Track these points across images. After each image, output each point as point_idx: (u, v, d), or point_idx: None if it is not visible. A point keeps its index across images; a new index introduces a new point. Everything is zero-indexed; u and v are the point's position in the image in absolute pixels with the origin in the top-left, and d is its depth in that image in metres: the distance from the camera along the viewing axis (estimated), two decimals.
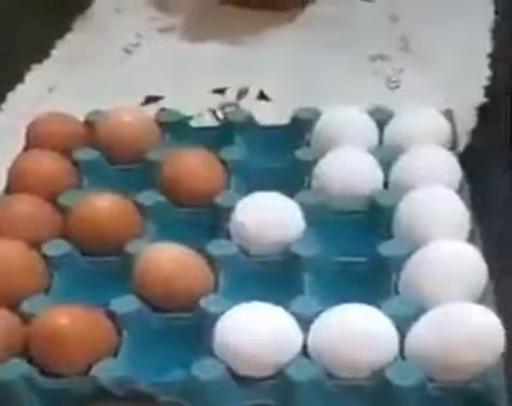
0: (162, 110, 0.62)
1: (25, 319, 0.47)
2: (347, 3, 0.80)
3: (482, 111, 0.67)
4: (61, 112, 0.60)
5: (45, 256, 0.51)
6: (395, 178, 0.55)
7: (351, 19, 0.78)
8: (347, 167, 0.55)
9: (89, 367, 0.45)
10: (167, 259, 0.48)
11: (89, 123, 0.61)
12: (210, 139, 0.60)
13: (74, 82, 0.72)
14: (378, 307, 0.46)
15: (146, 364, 0.46)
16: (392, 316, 0.46)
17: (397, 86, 0.71)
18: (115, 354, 0.46)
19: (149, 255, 0.49)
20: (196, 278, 0.49)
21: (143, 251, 0.49)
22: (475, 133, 0.65)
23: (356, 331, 0.44)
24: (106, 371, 0.45)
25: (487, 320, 0.44)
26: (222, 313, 0.46)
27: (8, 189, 0.56)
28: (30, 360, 0.46)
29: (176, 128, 0.61)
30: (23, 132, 0.59)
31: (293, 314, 0.46)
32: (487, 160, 0.62)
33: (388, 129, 0.59)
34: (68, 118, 0.60)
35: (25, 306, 0.48)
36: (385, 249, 0.50)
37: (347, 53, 0.73)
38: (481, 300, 0.47)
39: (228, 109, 0.68)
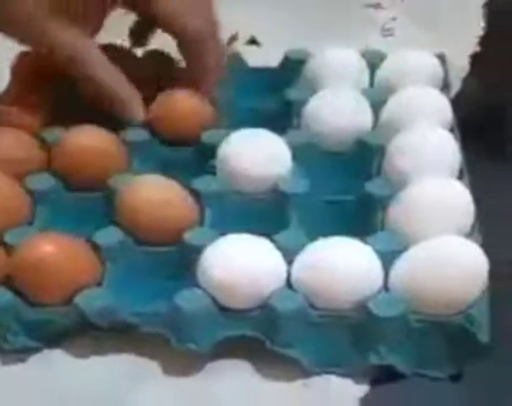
0: None
1: (8, 250, 0.47)
2: None
3: (475, 59, 0.67)
4: None
5: (29, 190, 0.51)
6: (385, 118, 0.55)
7: None
8: (337, 107, 0.54)
9: (73, 297, 0.45)
10: (151, 190, 0.48)
11: None
12: None
13: None
14: (364, 242, 0.46)
15: (130, 295, 0.46)
16: (377, 251, 0.45)
17: (390, 34, 0.70)
18: (98, 285, 0.46)
19: (133, 187, 0.48)
20: (180, 211, 0.49)
21: (126, 184, 0.49)
22: (466, 81, 0.65)
23: (340, 263, 0.44)
24: (89, 300, 0.45)
25: (470, 253, 0.44)
26: (206, 245, 0.46)
27: None
28: (14, 291, 0.45)
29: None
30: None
31: (278, 247, 0.46)
32: (478, 106, 0.62)
33: (379, 71, 0.59)
34: None
35: (8, 237, 0.48)
36: (372, 187, 0.50)
37: (341, 0, 0.73)
38: (467, 237, 0.47)
39: None
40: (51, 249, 0.45)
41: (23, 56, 0.56)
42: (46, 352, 0.46)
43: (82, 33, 0.53)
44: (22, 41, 0.53)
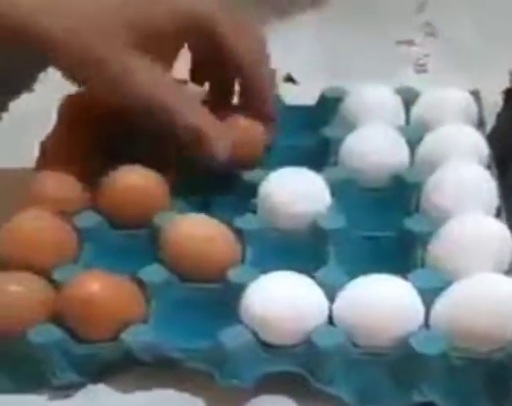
0: None
1: (56, 287, 0.48)
2: None
3: (508, 94, 0.67)
4: None
5: (75, 228, 0.52)
6: (422, 156, 0.55)
7: (379, 3, 0.79)
8: (374, 144, 0.55)
9: (119, 334, 0.46)
10: (195, 227, 0.49)
11: None
12: None
13: None
14: (404, 279, 0.47)
15: (174, 332, 0.47)
16: (418, 288, 0.46)
17: (424, 70, 0.71)
18: (144, 322, 0.47)
19: (177, 225, 0.49)
20: (223, 250, 0.49)
21: (171, 222, 0.50)
22: (500, 116, 0.65)
23: (382, 300, 0.45)
24: (135, 336, 0.46)
25: (510, 290, 0.45)
26: (249, 283, 0.47)
27: (40, 165, 0.57)
28: (62, 328, 0.46)
29: None
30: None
31: (319, 283, 0.47)
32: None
33: (414, 109, 0.59)
34: None
35: (56, 274, 0.49)
36: (411, 223, 0.51)
37: (374, 38, 0.74)
38: (507, 274, 0.47)
39: None
40: (98, 287, 0.46)
41: (70, 98, 0.58)
42: (91, 387, 0.47)
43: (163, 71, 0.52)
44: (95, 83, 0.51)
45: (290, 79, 0.70)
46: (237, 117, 0.56)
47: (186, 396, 0.46)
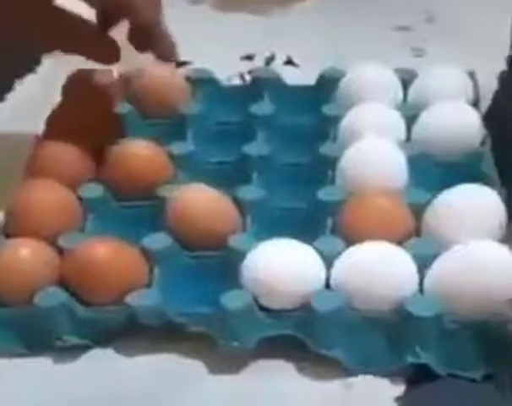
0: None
1: (61, 253, 0.50)
2: None
3: (503, 77, 0.69)
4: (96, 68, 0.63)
5: (80, 198, 0.53)
6: (418, 132, 0.57)
7: None
8: (372, 121, 0.57)
9: (123, 298, 0.47)
10: (198, 199, 0.51)
11: (124, 78, 0.63)
12: (240, 97, 0.62)
13: None
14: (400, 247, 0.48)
15: (177, 297, 0.48)
16: (413, 255, 0.48)
17: (421, 55, 0.72)
18: (147, 287, 0.48)
19: (181, 196, 0.51)
20: (225, 219, 0.51)
21: (175, 193, 0.51)
22: (496, 97, 0.66)
23: (378, 265, 0.46)
24: (139, 300, 0.47)
25: (502, 256, 0.46)
26: (249, 250, 0.48)
27: (46, 135, 0.58)
28: (68, 292, 0.48)
29: (206, 86, 0.63)
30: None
31: (318, 251, 0.48)
32: (507, 125, 0.64)
33: (412, 88, 0.61)
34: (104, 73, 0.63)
35: (61, 241, 0.50)
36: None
37: (373, 23, 0.75)
38: (500, 241, 0.48)
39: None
40: (102, 252, 0.48)
41: (75, 73, 0.59)
42: (95, 351, 0.48)
43: None
44: None
45: (290, 62, 0.72)
46: None
47: (188, 361, 0.47)
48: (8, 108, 0.68)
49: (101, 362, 0.48)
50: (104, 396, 0.46)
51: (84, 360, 0.48)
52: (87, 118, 0.56)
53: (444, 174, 0.55)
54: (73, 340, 0.47)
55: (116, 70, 0.63)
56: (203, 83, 0.63)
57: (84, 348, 0.48)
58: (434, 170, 0.56)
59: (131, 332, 0.48)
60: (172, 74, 0.62)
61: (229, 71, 0.70)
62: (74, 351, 0.48)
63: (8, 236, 0.51)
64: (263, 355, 0.47)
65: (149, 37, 0.58)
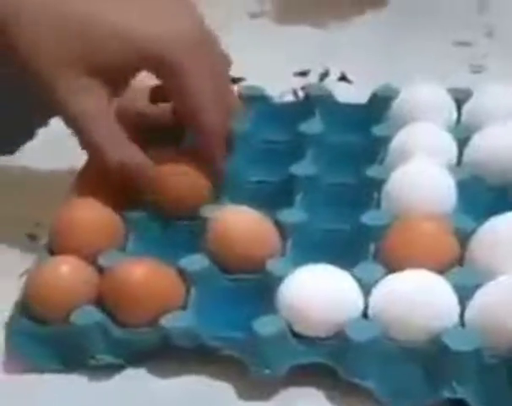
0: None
1: (101, 272, 0.50)
2: None
3: None
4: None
5: (123, 218, 0.53)
6: (469, 156, 0.56)
7: (439, 4, 0.79)
8: (421, 143, 0.55)
9: (157, 319, 0.47)
10: (239, 221, 0.50)
11: None
12: (290, 114, 0.61)
13: None
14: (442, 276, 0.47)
15: (212, 320, 0.48)
16: (454, 285, 0.46)
17: (480, 71, 0.71)
18: (183, 309, 0.48)
19: (222, 217, 0.50)
20: (265, 242, 0.50)
21: (216, 214, 0.51)
22: None
23: (416, 295, 0.45)
24: (174, 322, 0.47)
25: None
26: (286, 275, 0.48)
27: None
28: (104, 311, 0.48)
29: (257, 103, 0.63)
30: None
31: (356, 278, 0.47)
32: None
33: (466, 108, 0.59)
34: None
35: (101, 260, 0.50)
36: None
37: (431, 38, 0.73)
38: None
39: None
40: (138, 272, 0.47)
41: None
42: (129, 370, 0.48)
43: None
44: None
45: (344, 78, 0.71)
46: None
47: (218, 383, 0.47)
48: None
49: (134, 382, 0.48)
50: None
51: (118, 380, 0.48)
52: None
53: (495, 200, 0.54)
54: (107, 359, 0.48)
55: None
56: (254, 100, 0.63)
57: (118, 368, 0.48)
58: (485, 195, 0.54)
59: (164, 353, 0.48)
60: None
61: (282, 87, 0.69)
62: (108, 370, 0.48)
63: (52, 253, 0.52)
64: (293, 382, 0.47)
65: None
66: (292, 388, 0.47)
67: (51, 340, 0.48)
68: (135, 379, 0.48)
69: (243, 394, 0.47)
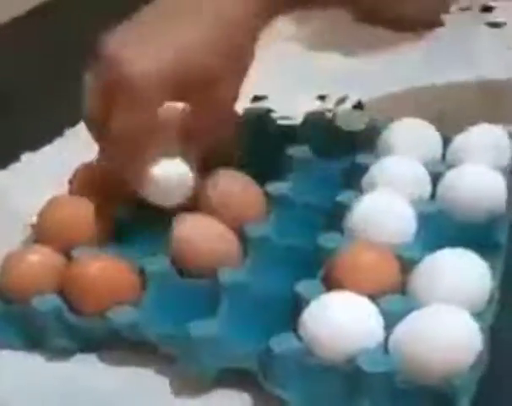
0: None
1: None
2: (474, 28, 0.82)
3: None
4: None
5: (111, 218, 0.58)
6: (440, 191, 0.58)
7: (475, 43, 0.80)
8: (394, 175, 0.57)
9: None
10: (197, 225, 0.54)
11: None
12: (286, 135, 0.65)
13: None
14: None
15: (159, 318, 0.51)
16: (383, 311, 0.48)
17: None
18: (134, 305, 0.52)
19: (181, 222, 0.54)
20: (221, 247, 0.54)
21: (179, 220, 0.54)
22: None
23: (343, 316, 0.47)
24: (120, 316, 0.51)
25: (461, 323, 0.46)
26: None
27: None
28: (64, 299, 0.52)
29: (261, 123, 0.67)
30: None
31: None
32: None
33: (452, 145, 0.61)
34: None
35: (73, 252, 0.55)
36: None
37: (458, 75, 0.75)
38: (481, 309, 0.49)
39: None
40: (96, 267, 0.52)
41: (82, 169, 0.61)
42: (82, 355, 0.52)
43: None
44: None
45: (359, 105, 0.73)
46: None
47: (155, 377, 0.50)
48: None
49: (85, 366, 0.52)
50: (70, 394, 0.50)
51: (68, 364, 0.52)
52: None
53: (458, 235, 0.55)
54: (62, 343, 0.52)
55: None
56: (258, 120, 0.67)
57: (71, 353, 0.52)
58: (448, 230, 0.56)
59: (116, 343, 0.51)
60: None
61: (300, 108, 0.71)
62: (63, 353, 0.52)
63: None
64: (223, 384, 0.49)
65: None
66: (222, 390, 0.49)
67: (15, 320, 0.53)
68: (84, 363, 0.52)
69: (176, 389, 0.50)
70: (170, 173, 0.55)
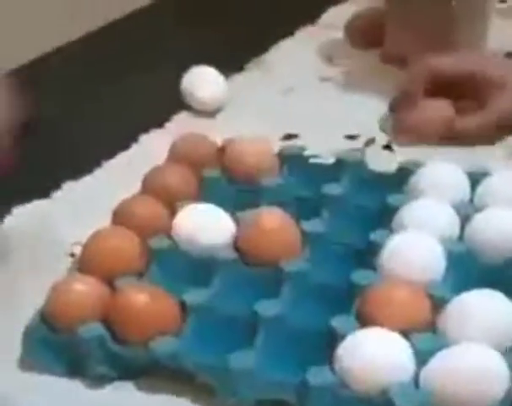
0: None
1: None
2: None
3: None
4: (200, 135, 0.71)
5: (149, 248, 0.60)
6: (468, 232, 0.60)
7: None
8: (423, 217, 0.60)
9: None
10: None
11: (222, 148, 0.70)
12: (320, 175, 0.67)
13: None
14: None
15: (201, 348, 0.53)
16: (415, 348, 0.50)
17: None
18: (176, 336, 0.54)
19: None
20: None
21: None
22: None
23: (375, 350, 0.50)
24: (161, 346, 0.53)
25: (489, 360, 0.48)
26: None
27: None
28: (107, 328, 0.54)
29: (294, 161, 0.69)
30: None
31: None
32: None
33: (480, 188, 0.63)
34: (205, 141, 0.71)
35: (116, 282, 0.57)
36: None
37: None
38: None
39: None
40: (140, 299, 0.54)
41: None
42: (118, 383, 0.54)
43: None
44: None
45: (388, 147, 0.76)
46: None
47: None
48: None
49: (122, 394, 0.53)
50: None
51: (109, 389, 0.54)
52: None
53: (486, 276, 0.57)
54: (103, 370, 0.54)
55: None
56: (292, 158, 0.69)
57: (111, 379, 0.54)
58: (476, 270, 0.58)
59: (154, 372, 0.54)
60: (260, 147, 0.68)
61: (330, 147, 0.73)
62: (102, 380, 0.54)
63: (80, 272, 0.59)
64: None
65: None
66: None
67: (58, 346, 0.55)
68: (121, 391, 0.54)
69: None
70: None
